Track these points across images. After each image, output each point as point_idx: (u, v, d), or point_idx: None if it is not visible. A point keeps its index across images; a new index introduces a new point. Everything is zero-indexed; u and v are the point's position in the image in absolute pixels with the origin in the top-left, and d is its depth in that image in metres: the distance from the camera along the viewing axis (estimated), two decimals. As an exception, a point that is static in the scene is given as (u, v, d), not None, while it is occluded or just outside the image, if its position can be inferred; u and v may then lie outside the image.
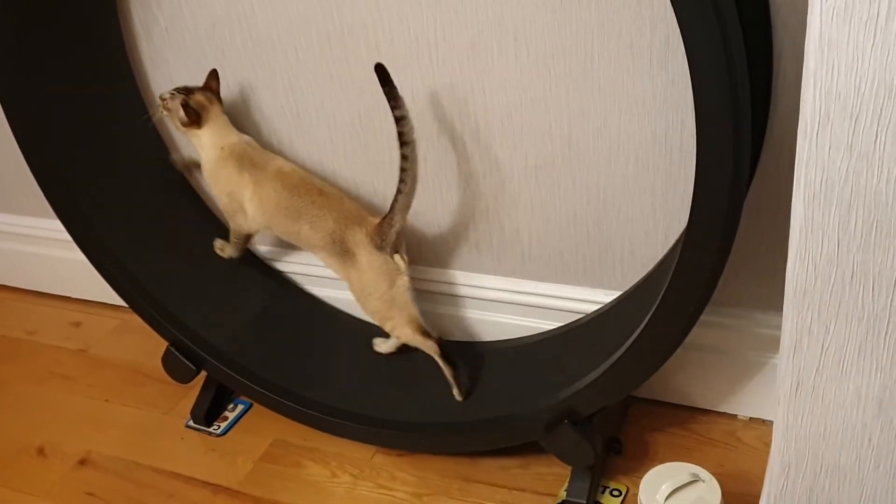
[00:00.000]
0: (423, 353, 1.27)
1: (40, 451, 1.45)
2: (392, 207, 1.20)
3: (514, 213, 1.29)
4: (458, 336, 1.41)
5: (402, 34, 1.20)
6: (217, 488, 1.33)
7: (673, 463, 1.07)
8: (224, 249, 1.41)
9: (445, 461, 1.30)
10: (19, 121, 1.29)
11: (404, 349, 1.34)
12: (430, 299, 1.40)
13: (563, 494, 1.20)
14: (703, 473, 1.05)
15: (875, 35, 0.55)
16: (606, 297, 1.28)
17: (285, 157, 1.36)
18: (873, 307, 0.64)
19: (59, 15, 1.31)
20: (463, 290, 1.39)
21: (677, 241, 1.17)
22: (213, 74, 1.32)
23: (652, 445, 1.29)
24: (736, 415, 1.30)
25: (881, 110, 0.57)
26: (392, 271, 1.23)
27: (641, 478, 1.07)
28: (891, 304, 0.64)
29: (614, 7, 1.08)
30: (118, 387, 1.57)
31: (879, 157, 0.59)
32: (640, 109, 1.13)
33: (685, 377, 1.30)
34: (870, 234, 0.62)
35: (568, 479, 1.19)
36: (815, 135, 0.60)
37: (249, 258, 1.50)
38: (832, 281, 0.65)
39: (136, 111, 1.44)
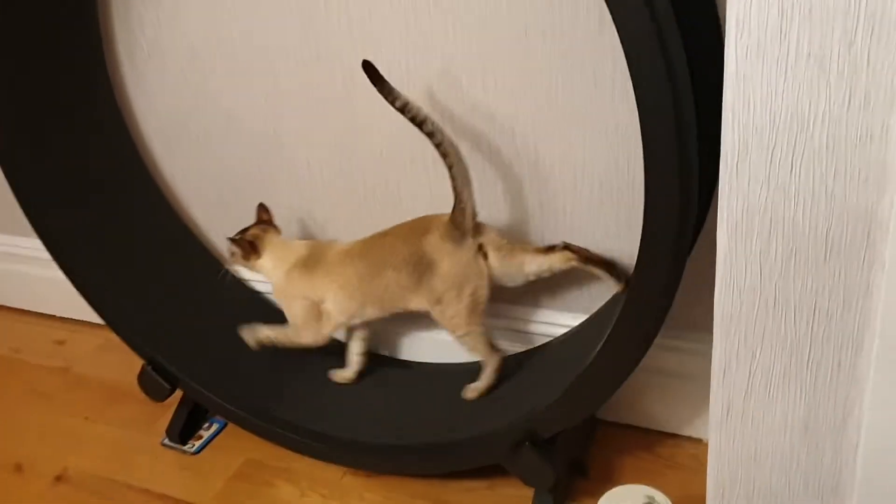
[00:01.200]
0: (391, 377, 1.29)
1: (18, 468, 1.47)
2: (454, 190, 1.16)
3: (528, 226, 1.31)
4: (428, 357, 1.43)
5: (376, 60, 1.23)
6: (189, 506, 1.34)
7: (629, 485, 1.08)
8: (343, 375, 1.41)
9: (414, 482, 1.31)
10: (6, 153, 1.33)
11: (360, 377, 1.37)
12: (398, 320, 1.42)
13: (527, 515, 1.22)
14: (659, 496, 1.06)
15: (786, 72, 0.57)
16: (574, 320, 1.30)
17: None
18: (795, 333, 0.66)
19: (42, 39, 1.34)
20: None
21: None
22: (262, 208, 1.37)
23: (617, 468, 1.30)
24: (701, 438, 1.32)
25: (795, 143, 0.59)
26: (475, 275, 1.20)
27: (603, 500, 1.08)
28: (811, 331, 0.66)
29: (577, 39, 1.11)
30: (98, 405, 1.59)
31: (795, 188, 0.61)
32: (602, 138, 1.16)
33: (651, 401, 1.31)
34: (789, 262, 0.64)
35: (532, 501, 1.21)
36: (734, 166, 0.62)
37: (226, 283, 1.53)
38: (756, 307, 0.67)
39: (114, 130, 1.47)
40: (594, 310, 1.27)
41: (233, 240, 1.33)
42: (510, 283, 1.24)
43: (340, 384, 1.40)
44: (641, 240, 0.91)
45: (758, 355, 0.69)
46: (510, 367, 1.27)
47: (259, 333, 1.37)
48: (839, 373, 0.66)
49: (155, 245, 1.48)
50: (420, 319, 1.40)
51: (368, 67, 1.12)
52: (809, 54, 0.55)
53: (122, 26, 1.42)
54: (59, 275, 1.65)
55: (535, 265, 1.21)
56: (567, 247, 1.20)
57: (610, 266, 1.20)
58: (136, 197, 1.46)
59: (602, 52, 1.10)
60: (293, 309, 1.34)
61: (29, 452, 1.49)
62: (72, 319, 1.83)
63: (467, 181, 1.16)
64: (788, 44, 0.55)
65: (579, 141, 1.18)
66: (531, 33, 1.13)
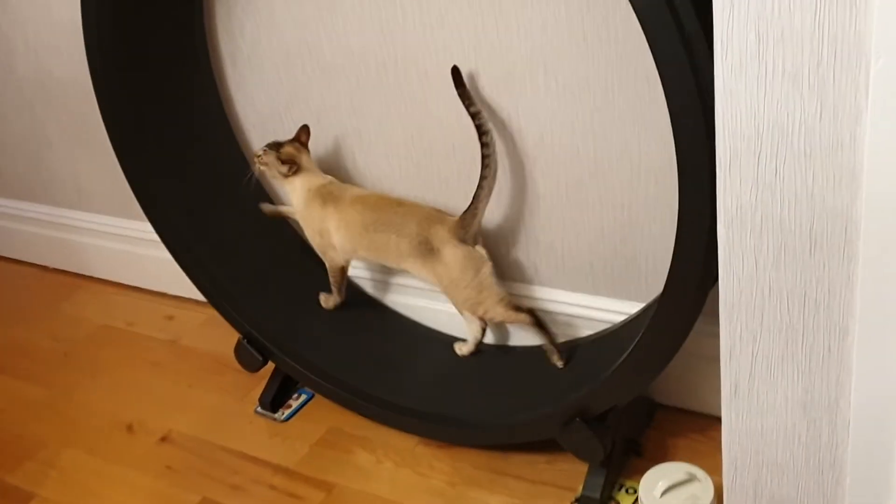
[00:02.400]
0: (470, 356, 1.41)
1: (129, 428, 1.64)
2: (475, 198, 1.31)
3: (548, 228, 1.40)
4: (493, 339, 1.52)
5: (447, 63, 1.33)
6: (276, 468, 1.48)
7: (672, 462, 1.15)
8: (328, 300, 1.57)
9: (479, 454, 1.41)
10: (121, 143, 1.50)
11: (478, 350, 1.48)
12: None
13: (580, 489, 1.30)
14: (700, 473, 1.13)
15: (766, 88, 0.64)
16: (633, 307, 1.37)
17: (357, 184, 1.53)
18: (790, 320, 0.73)
19: (157, 50, 1.50)
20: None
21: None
22: (304, 129, 1.50)
23: (671, 449, 1.37)
24: (754, 425, 1.37)
25: (778, 149, 0.66)
26: (476, 260, 1.34)
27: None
28: (803, 318, 0.72)
29: (631, 43, 1.18)
30: (200, 374, 1.76)
31: (781, 189, 0.68)
32: (657, 136, 1.23)
33: (708, 388, 1.37)
34: (779, 255, 0.70)
35: (585, 476, 1.29)
36: (727, 168, 0.69)
37: (320, 263, 1.66)
38: (754, 296, 0.73)
39: (218, 126, 1.62)
40: (650, 298, 1.34)
41: (278, 151, 1.46)
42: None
43: (456, 357, 1.49)
44: (679, 225, 0.97)
45: (758, 340, 0.75)
46: (572, 351, 1.35)
47: (328, 301, 1.56)
48: (829, 356, 0.72)
49: (251, 230, 1.62)
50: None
51: (456, 73, 1.25)
52: (784, 72, 0.62)
53: (225, 32, 1.56)
54: (169, 255, 1.84)
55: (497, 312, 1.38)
56: (532, 312, 1.36)
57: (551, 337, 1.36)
58: (236, 186, 1.61)
59: (656, 56, 1.17)
60: (313, 235, 1.50)
61: (139, 414, 1.67)
62: (180, 297, 2.00)
63: (489, 195, 1.31)
64: (766, 63, 0.62)
65: (635, 138, 1.25)
66: (590, 38, 1.21)
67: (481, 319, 1.43)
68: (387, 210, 1.41)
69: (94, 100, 1.82)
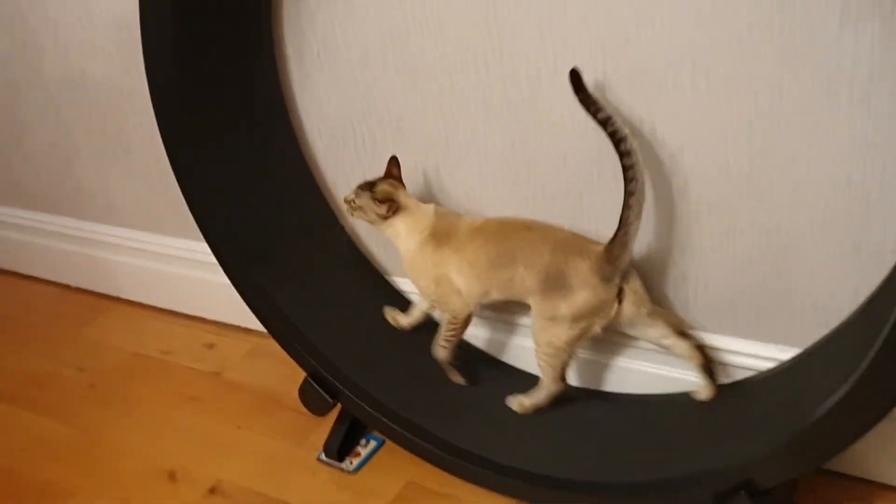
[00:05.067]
0: (574, 404, 1.21)
1: (171, 476, 1.43)
2: (623, 221, 1.07)
3: (679, 254, 1.19)
4: (610, 387, 1.31)
5: (566, 61, 1.12)
6: (349, 529, 1.27)
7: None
8: (398, 319, 1.37)
9: (593, 521, 1.20)
10: (174, 148, 1.29)
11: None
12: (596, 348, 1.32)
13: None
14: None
15: None
16: (781, 353, 1.16)
17: (440, 204, 1.32)
18: None
19: (216, 39, 1.30)
20: (617, 337, 1.29)
21: (869, 299, 1.05)
22: (394, 161, 1.28)
23: (828, 522, 1.16)
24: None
25: None
26: (602, 316, 1.14)
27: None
28: None
29: (811, 36, 0.97)
30: (249, 413, 1.54)
31: None
32: (834, 149, 1.02)
33: (871, 448, 1.16)
34: None
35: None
36: None
37: (390, 291, 1.45)
38: None
39: (278, 132, 1.42)
40: (808, 343, 1.13)
41: (372, 191, 1.24)
42: (625, 331, 1.21)
43: (520, 412, 1.29)
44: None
45: None
46: (715, 402, 1.14)
47: (437, 353, 1.31)
48: None
49: (318, 252, 1.41)
50: (617, 347, 1.30)
51: (575, 76, 1.05)
52: None
53: (292, 25, 1.36)
54: (208, 275, 1.64)
55: (661, 337, 1.18)
56: (700, 346, 1.17)
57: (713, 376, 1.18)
58: (299, 205, 1.41)
59: (840, 51, 0.97)
60: (428, 285, 1.26)
61: (182, 459, 1.45)
62: (220, 322, 1.79)
63: (639, 215, 1.08)
64: None
65: (804, 152, 1.04)
66: (755, 29, 1.00)
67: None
68: (513, 237, 1.18)
69: (128, 102, 1.64)
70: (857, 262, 1.07)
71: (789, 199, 1.08)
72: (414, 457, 1.32)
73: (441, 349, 1.30)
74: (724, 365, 1.20)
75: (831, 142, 1.02)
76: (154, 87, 1.27)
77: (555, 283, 1.13)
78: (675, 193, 1.15)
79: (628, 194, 1.06)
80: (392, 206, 1.24)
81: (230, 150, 1.35)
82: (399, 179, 1.28)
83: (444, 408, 1.32)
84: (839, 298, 1.09)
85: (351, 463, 1.38)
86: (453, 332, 1.27)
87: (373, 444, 1.41)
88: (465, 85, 1.25)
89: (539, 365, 1.22)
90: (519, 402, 1.27)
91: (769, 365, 1.16)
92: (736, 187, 1.10)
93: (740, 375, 1.19)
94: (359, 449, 1.40)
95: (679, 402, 1.17)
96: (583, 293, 1.12)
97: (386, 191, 1.25)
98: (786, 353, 1.15)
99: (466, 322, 1.27)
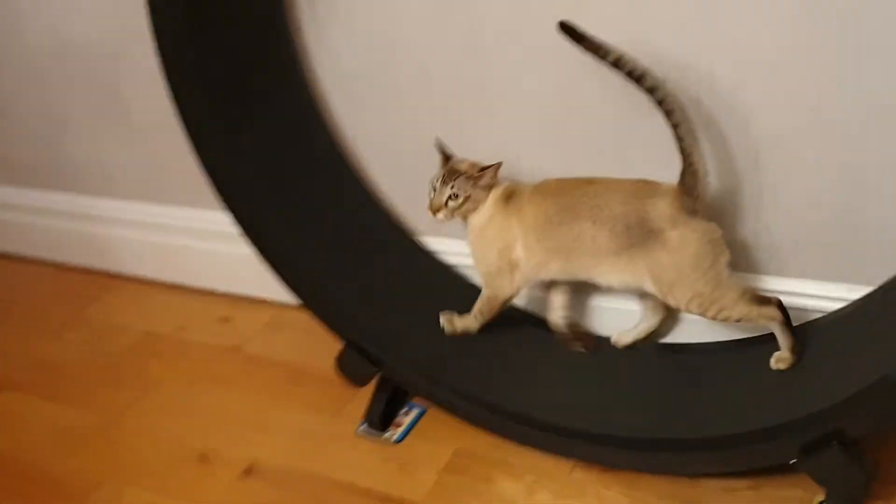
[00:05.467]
0: (631, 353, 1.15)
1: (203, 458, 1.35)
2: (683, 151, 1.01)
3: (738, 196, 1.12)
4: (672, 337, 1.25)
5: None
6: (401, 502, 1.21)
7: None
8: (454, 322, 1.26)
9: (660, 480, 1.14)
10: (189, 112, 1.21)
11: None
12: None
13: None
14: None
15: None
16: (850, 292, 1.11)
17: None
18: None
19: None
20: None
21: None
22: (442, 144, 1.21)
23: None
24: None
25: None
26: (717, 240, 1.05)
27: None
28: None
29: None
30: (277, 388, 1.47)
31: None
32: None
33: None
34: None
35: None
36: None
37: (422, 254, 1.38)
38: None
39: (293, 87, 1.34)
40: (880, 281, 1.07)
41: (459, 175, 1.15)
42: None
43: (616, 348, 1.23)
44: None
45: None
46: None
47: (456, 325, 1.26)
48: None
49: (348, 222, 1.34)
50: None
51: (567, 29, 1.00)
52: None
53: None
54: (219, 246, 1.55)
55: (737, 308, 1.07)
56: (780, 305, 1.07)
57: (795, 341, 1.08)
58: (328, 171, 1.32)
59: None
60: (489, 256, 1.19)
61: (212, 441, 1.37)
62: (233, 294, 1.71)
63: (696, 140, 1.01)
64: None
65: (878, 77, 0.98)
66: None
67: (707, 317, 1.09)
68: (574, 192, 1.10)
69: (122, 66, 1.53)
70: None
71: (860, 129, 1.01)
72: (458, 424, 1.26)
73: (473, 319, 1.25)
74: (790, 308, 1.14)
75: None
76: (162, 46, 1.17)
77: (639, 233, 1.05)
78: (734, 129, 1.08)
79: (673, 126, 1.00)
80: (496, 167, 1.16)
81: (246, 116, 1.26)
82: (449, 156, 1.21)
83: (490, 371, 1.25)
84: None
85: (393, 433, 1.31)
86: (489, 308, 1.22)
87: (414, 412, 1.34)
88: (496, 31, 1.17)
89: (738, 321, 1.08)
90: (781, 360, 1.10)
91: (836, 306, 1.11)
92: (804, 117, 1.04)
93: (806, 318, 1.13)
94: (400, 418, 1.34)
95: (751, 351, 1.11)
96: (675, 231, 1.04)
97: (475, 163, 1.18)
98: (854, 293, 1.10)
99: (504, 304, 1.21)
